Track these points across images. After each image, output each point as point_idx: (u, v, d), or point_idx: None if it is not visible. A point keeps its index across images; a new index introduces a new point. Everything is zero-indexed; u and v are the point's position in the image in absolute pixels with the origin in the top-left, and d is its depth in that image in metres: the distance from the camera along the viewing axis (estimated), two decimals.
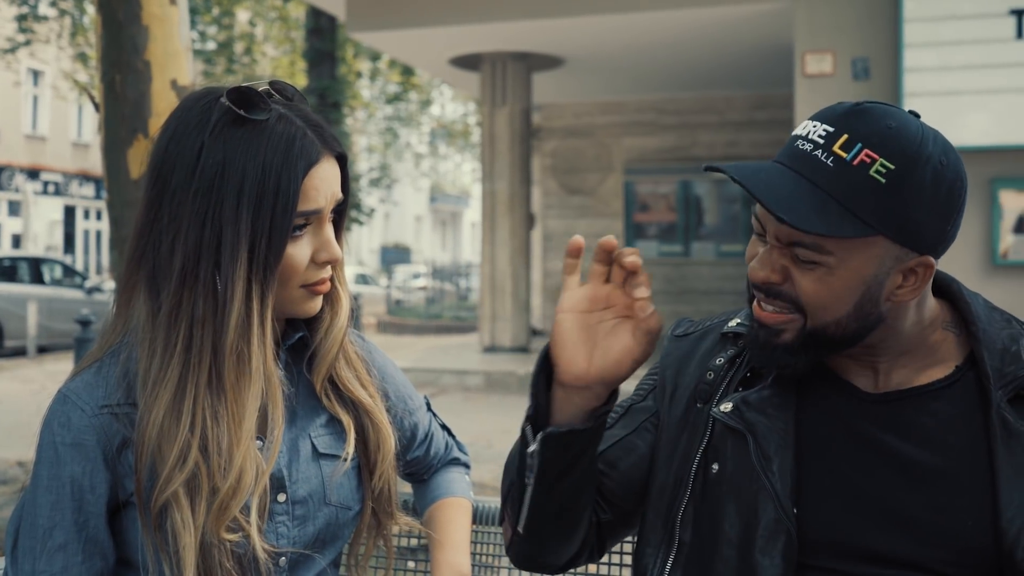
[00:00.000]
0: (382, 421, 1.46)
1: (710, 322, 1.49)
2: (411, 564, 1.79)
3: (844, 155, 1.20)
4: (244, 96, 1.30)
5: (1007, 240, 8.72)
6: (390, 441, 1.46)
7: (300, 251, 1.33)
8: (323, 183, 1.33)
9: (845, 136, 1.21)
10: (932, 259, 1.25)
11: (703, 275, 14.72)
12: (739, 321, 1.44)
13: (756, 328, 1.31)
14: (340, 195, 1.38)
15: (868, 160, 1.19)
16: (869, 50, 8.75)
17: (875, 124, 1.22)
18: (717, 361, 1.42)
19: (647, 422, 1.45)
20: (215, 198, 1.28)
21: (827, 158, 1.21)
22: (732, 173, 1.23)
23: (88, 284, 16.49)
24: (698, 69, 12.53)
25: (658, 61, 12.15)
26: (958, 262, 8.50)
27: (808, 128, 1.25)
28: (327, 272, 1.38)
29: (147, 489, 1.27)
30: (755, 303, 1.31)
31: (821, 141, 1.22)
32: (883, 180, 1.19)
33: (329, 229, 1.37)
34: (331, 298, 1.43)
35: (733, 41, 10.92)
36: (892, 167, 1.19)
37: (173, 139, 1.31)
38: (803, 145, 1.24)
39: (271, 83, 1.36)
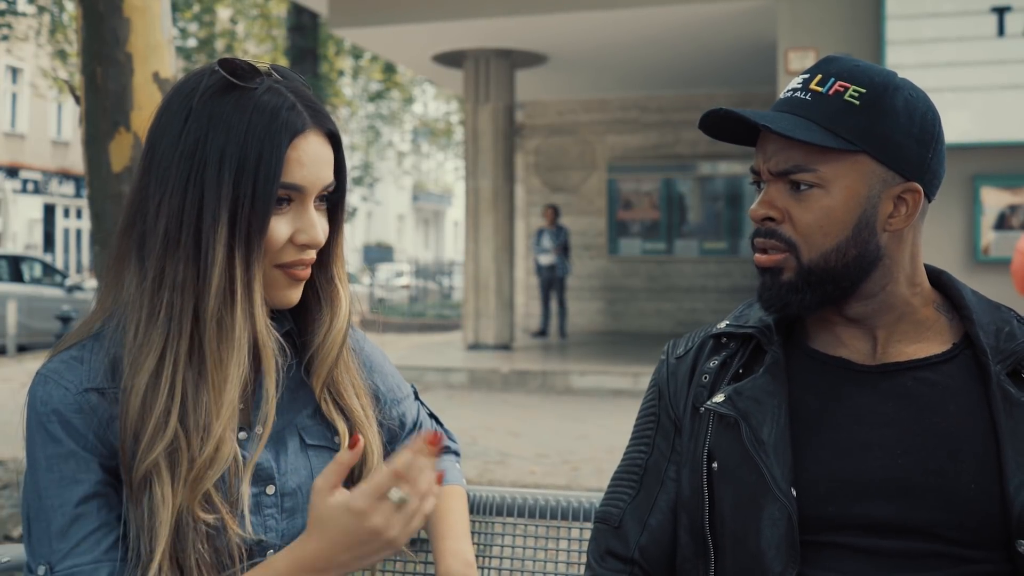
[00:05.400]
0: (370, 437, 1.42)
1: (703, 332, 1.50)
2: (397, 565, 1.76)
3: (820, 89, 1.32)
4: (235, 64, 1.28)
5: (988, 237, 8.80)
6: (374, 456, 1.42)
7: (279, 228, 1.28)
8: (308, 158, 1.29)
9: (819, 76, 1.33)
10: (919, 186, 1.32)
11: (686, 272, 14.75)
12: (728, 322, 1.46)
13: (761, 276, 1.37)
14: (331, 179, 1.33)
15: (842, 89, 1.30)
16: (852, 47, 8.77)
17: (845, 63, 1.34)
18: (711, 364, 1.43)
19: (665, 474, 1.44)
20: (197, 162, 1.25)
21: (805, 95, 1.32)
22: (721, 107, 1.34)
23: (68, 283, 16.40)
24: (681, 67, 12.56)
25: (641, 59, 12.17)
26: (941, 258, 8.54)
27: (788, 84, 1.40)
28: (306, 255, 1.33)
29: (129, 460, 1.23)
30: (756, 255, 1.37)
31: (799, 85, 1.34)
32: (857, 102, 1.29)
33: (313, 212, 1.31)
34: (330, 297, 1.39)
35: (716, 38, 10.95)
36: (864, 91, 1.30)
37: (164, 111, 1.30)
38: (784, 95, 1.36)
39: (272, 66, 1.33)
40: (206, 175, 1.25)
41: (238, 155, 1.25)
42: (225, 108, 1.26)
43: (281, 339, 1.33)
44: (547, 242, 13.77)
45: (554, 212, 13.91)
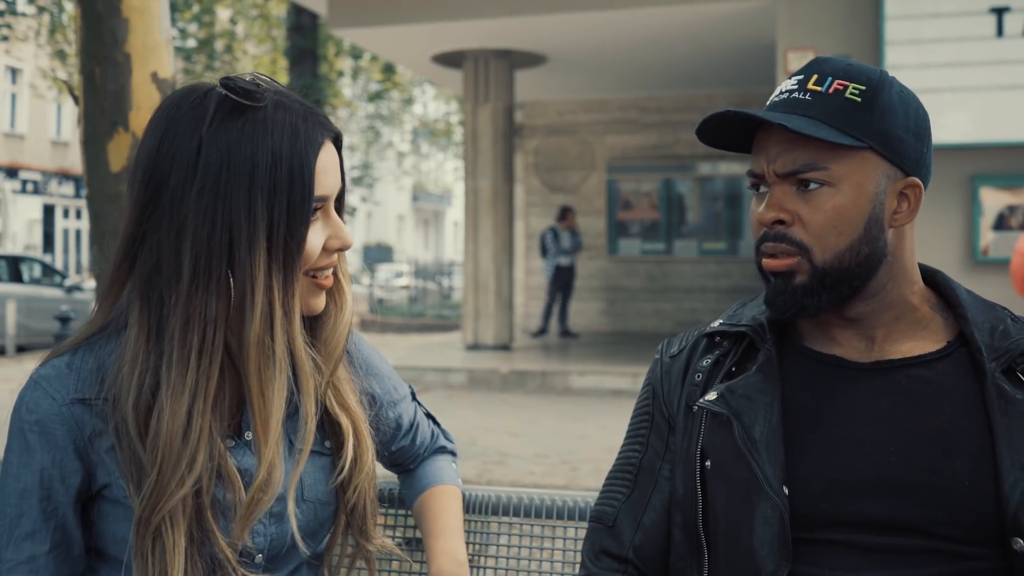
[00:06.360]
0: (364, 435, 1.42)
1: (697, 331, 1.50)
2: (395, 564, 1.77)
3: (819, 89, 1.31)
4: (239, 84, 1.26)
5: (987, 237, 8.77)
6: (367, 455, 1.42)
7: (313, 240, 1.30)
8: (329, 167, 1.31)
9: (815, 76, 1.33)
10: (919, 181, 1.33)
11: (685, 273, 14.72)
12: (721, 321, 1.46)
13: (770, 280, 1.34)
14: (340, 182, 1.35)
15: (841, 87, 1.30)
16: (851, 47, 8.77)
17: (837, 63, 1.34)
18: (704, 362, 1.43)
19: (659, 473, 1.44)
20: (222, 192, 1.23)
21: (804, 95, 1.32)
22: (729, 109, 1.32)
23: (68, 283, 16.38)
24: (681, 67, 12.53)
25: (641, 59, 12.13)
26: (939, 259, 8.53)
27: (778, 88, 1.37)
28: (335, 259, 1.35)
29: (152, 501, 1.24)
30: (762, 260, 1.34)
31: (795, 87, 1.34)
32: (859, 99, 1.29)
33: (337, 217, 1.34)
34: (334, 293, 1.40)
35: (715, 39, 10.92)
36: (863, 88, 1.30)
37: (165, 139, 1.26)
38: (779, 97, 1.35)
39: (254, 75, 1.32)
40: (234, 203, 1.23)
41: (268, 178, 1.24)
42: (242, 131, 1.25)
43: (315, 357, 1.35)
44: (567, 243, 13.61)
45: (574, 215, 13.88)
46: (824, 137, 1.26)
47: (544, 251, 13.69)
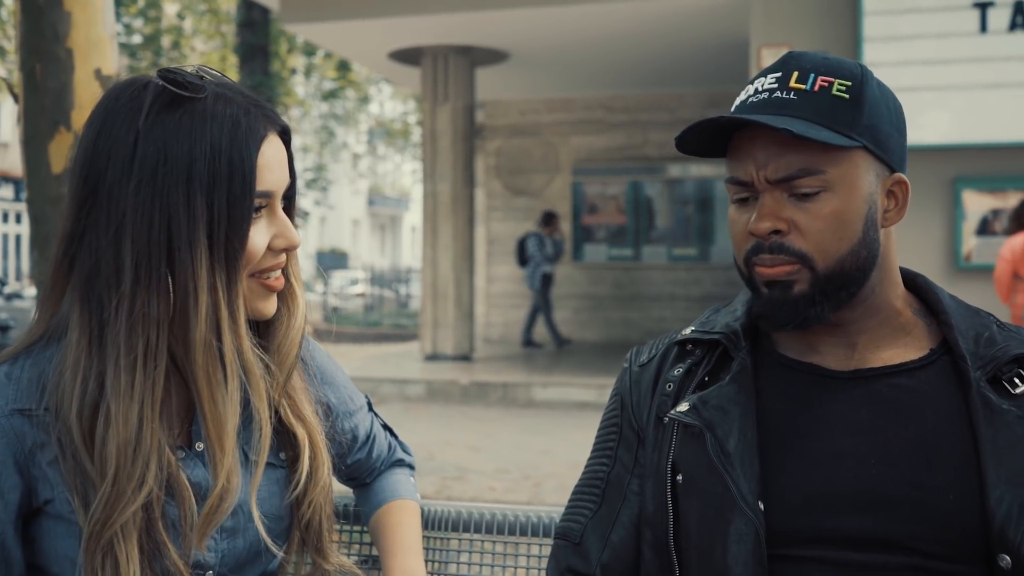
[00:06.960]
0: (320, 447, 1.41)
1: (668, 338, 1.47)
2: None
3: (803, 86, 1.27)
4: (177, 75, 1.25)
5: (970, 243, 8.71)
6: (324, 469, 1.41)
7: (257, 238, 1.28)
8: (273, 162, 1.29)
9: (796, 73, 1.28)
10: (904, 177, 1.31)
11: (655, 280, 14.75)
12: (693, 328, 1.45)
13: (765, 291, 1.29)
14: (288, 179, 1.33)
15: (826, 84, 1.27)
16: (827, 44, 8.70)
17: (813, 57, 1.31)
18: (675, 372, 1.41)
19: (628, 488, 1.41)
20: (159, 188, 1.22)
21: (788, 94, 1.27)
22: (719, 116, 1.26)
23: (7, 290, 16.28)
24: (649, 65, 12.57)
25: (607, 56, 12.17)
26: (920, 265, 8.35)
27: (752, 88, 1.31)
28: (282, 259, 1.33)
29: (103, 516, 1.21)
30: (755, 269, 1.29)
31: (775, 85, 1.29)
32: (846, 95, 1.27)
33: (283, 215, 1.32)
34: (286, 296, 1.38)
35: (686, 35, 10.94)
36: (849, 84, 1.27)
37: (102, 132, 1.25)
38: (758, 97, 1.29)
39: (199, 68, 1.30)
40: (172, 199, 1.22)
41: (207, 171, 1.23)
42: (180, 124, 1.23)
43: (265, 359, 1.33)
44: (551, 249, 13.43)
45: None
46: (824, 139, 1.23)
47: (524, 259, 13.49)
